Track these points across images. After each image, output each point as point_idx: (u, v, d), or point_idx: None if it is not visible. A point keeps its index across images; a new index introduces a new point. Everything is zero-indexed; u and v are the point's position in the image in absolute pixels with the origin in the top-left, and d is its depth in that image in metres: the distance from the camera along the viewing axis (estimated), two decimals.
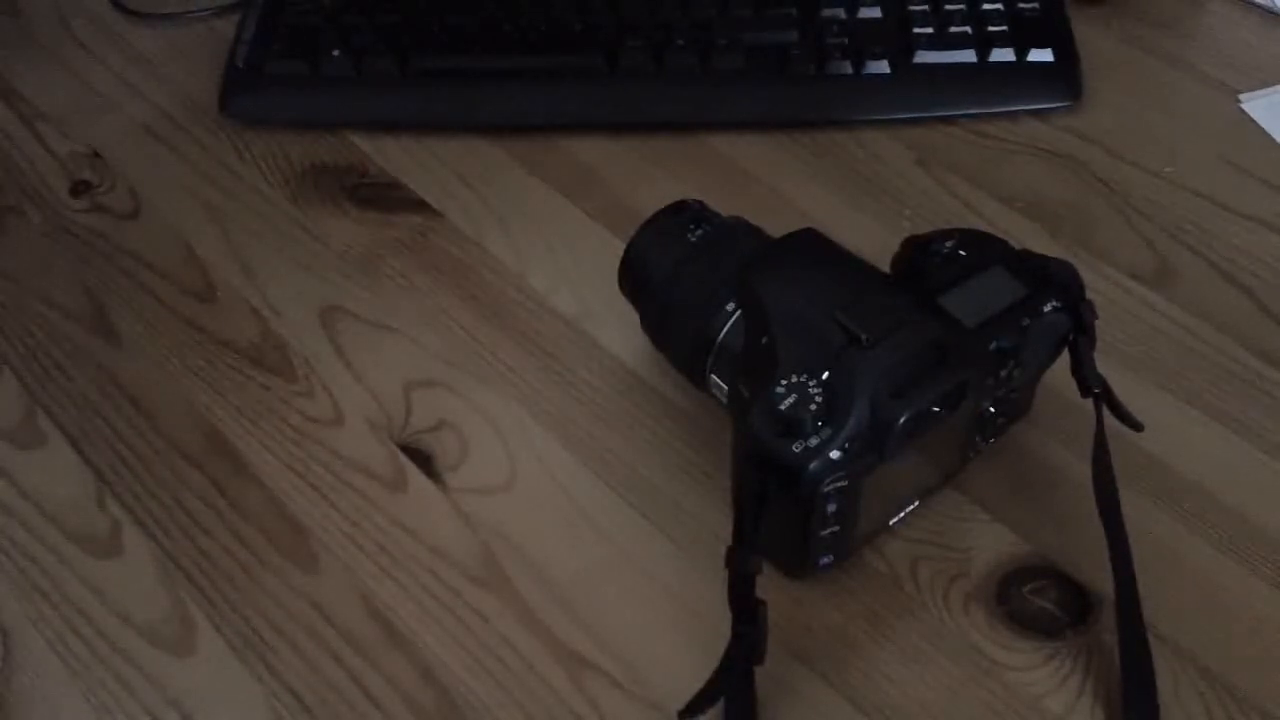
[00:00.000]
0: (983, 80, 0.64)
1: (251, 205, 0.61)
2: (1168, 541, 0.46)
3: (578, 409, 0.52)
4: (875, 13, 0.65)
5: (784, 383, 0.41)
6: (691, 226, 0.49)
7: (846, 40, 0.64)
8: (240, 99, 0.65)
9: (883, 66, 0.63)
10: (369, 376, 0.54)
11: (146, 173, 0.63)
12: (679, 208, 0.50)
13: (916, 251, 0.46)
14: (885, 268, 0.47)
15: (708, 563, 0.43)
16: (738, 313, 0.45)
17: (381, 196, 0.61)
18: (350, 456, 0.51)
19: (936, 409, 0.41)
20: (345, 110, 0.65)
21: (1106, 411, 0.45)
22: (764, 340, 0.43)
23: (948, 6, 0.65)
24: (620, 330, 0.53)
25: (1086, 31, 0.66)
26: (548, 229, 0.59)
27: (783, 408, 0.40)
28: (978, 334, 0.43)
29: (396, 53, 0.64)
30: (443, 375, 0.53)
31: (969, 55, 0.63)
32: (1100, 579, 0.44)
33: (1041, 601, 0.45)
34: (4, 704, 0.44)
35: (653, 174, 0.61)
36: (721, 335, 0.46)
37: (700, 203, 0.50)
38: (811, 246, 0.47)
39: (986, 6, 0.65)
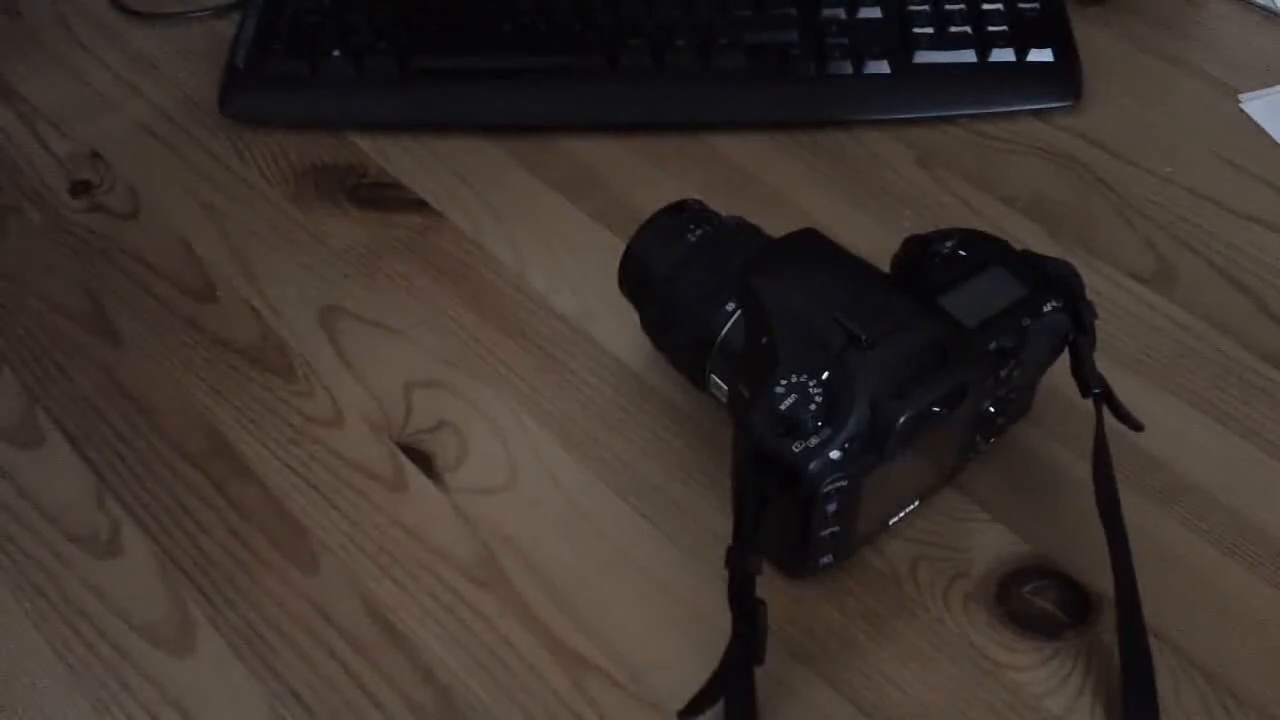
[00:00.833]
0: (983, 80, 0.64)
1: (251, 205, 0.61)
2: (1168, 541, 0.46)
3: (578, 409, 0.52)
4: (875, 13, 0.65)
5: (784, 383, 0.41)
6: (691, 226, 0.49)
7: (846, 40, 0.64)
8: (240, 99, 0.65)
9: (883, 66, 0.63)
10: (369, 376, 0.54)
11: (146, 173, 0.63)
12: (679, 208, 0.50)
13: (917, 251, 0.46)
14: (885, 268, 0.47)
15: (708, 563, 0.43)
16: (738, 313, 0.45)
17: (381, 196, 0.61)
18: (350, 456, 0.51)
19: (936, 409, 0.41)
20: (345, 110, 0.65)
21: (1107, 412, 0.45)
22: (764, 340, 0.43)
23: (948, 6, 0.65)
24: (620, 330, 0.53)
25: (1086, 31, 0.66)
26: (548, 229, 0.59)
27: (783, 408, 0.40)
28: (978, 334, 0.43)
29: (396, 53, 0.64)
30: (443, 375, 0.53)
31: (969, 55, 0.63)
32: (1100, 579, 0.44)
33: (1041, 602, 0.45)
34: (4, 703, 0.44)
35: (653, 174, 0.61)
36: (721, 335, 0.46)
37: (700, 202, 0.50)
38: (812, 246, 0.47)
39: (986, 6, 0.65)
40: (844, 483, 0.41)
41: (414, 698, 0.44)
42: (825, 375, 0.41)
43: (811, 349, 0.42)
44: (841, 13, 0.65)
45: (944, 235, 0.47)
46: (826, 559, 0.44)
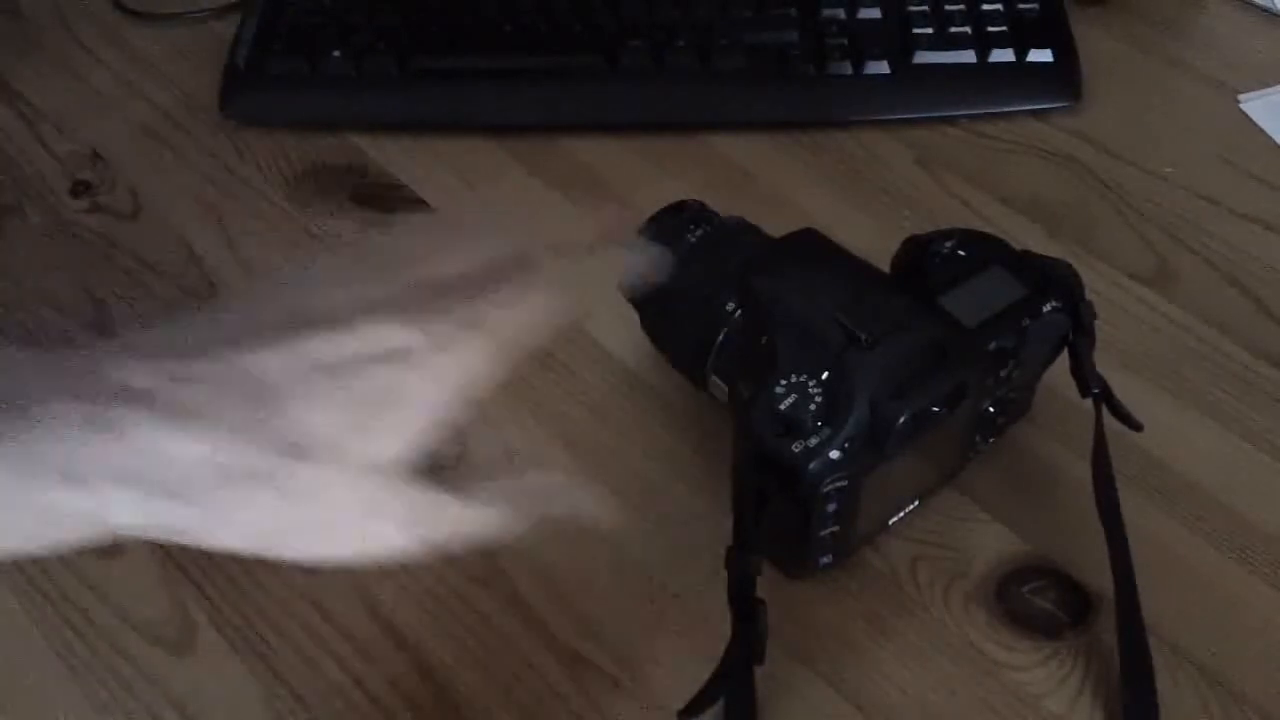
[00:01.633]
0: (983, 80, 0.64)
1: (251, 205, 0.61)
2: (1168, 541, 0.46)
3: (578, 409, 0.52)
4: (875, 13, 0.65)
5: (784, 383, 0.41)
6: (691, 227, 0.49)
7: (846, 40, 0.64)
8: (240, 99, 0.65)
9: (883, 67, 0.63)
10: None
11: (146, 173, 0.63)
12: (679, 208, 0.50)
13: (916, 251, 0.46)
14: (885, 268, 0.47)
15: (708, 563, 0.43)
16: (738, 313, 0.45)
17: (381, 196, 0.61)
18: None
19: (936, 409, 0.41)
20: (345, 110, 0.65)
21: (1106, 412, 0.45)
22: (764, 340, 0.43)
23: (948, 7, 0.65)
24: (620, 330, 0.53)
25: (1086, 31, 0.66)
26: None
27: (783, 408, 0.40)
28: (977, 334, 0.43)
29: (396, 53, 0.64)
30: None
31: (969, 55, 0.63)
32: (1100, 579, 0.44)
33: (1041, 601, 0.45)
34: (5, 703, 0.44)
35: (653, 174, 0.61)
36: (721, 335, 0.46)
37: (700, 203, 0.50)
38: (811, 246, 0.47)
39: (986, 7, 0.65)
40: (844, 482, 0.41)
41: (414, 697, 0.44)
42: (825, 375, 0.41)
43: (811, 349, 0.42)
44: (841, 13, 0.65)
45: (944, 235, 0.47)
46: (826, 559, 0.44)
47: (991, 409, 0.46)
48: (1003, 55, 0.63)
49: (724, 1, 0.66)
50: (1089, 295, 0.46)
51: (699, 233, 0.48)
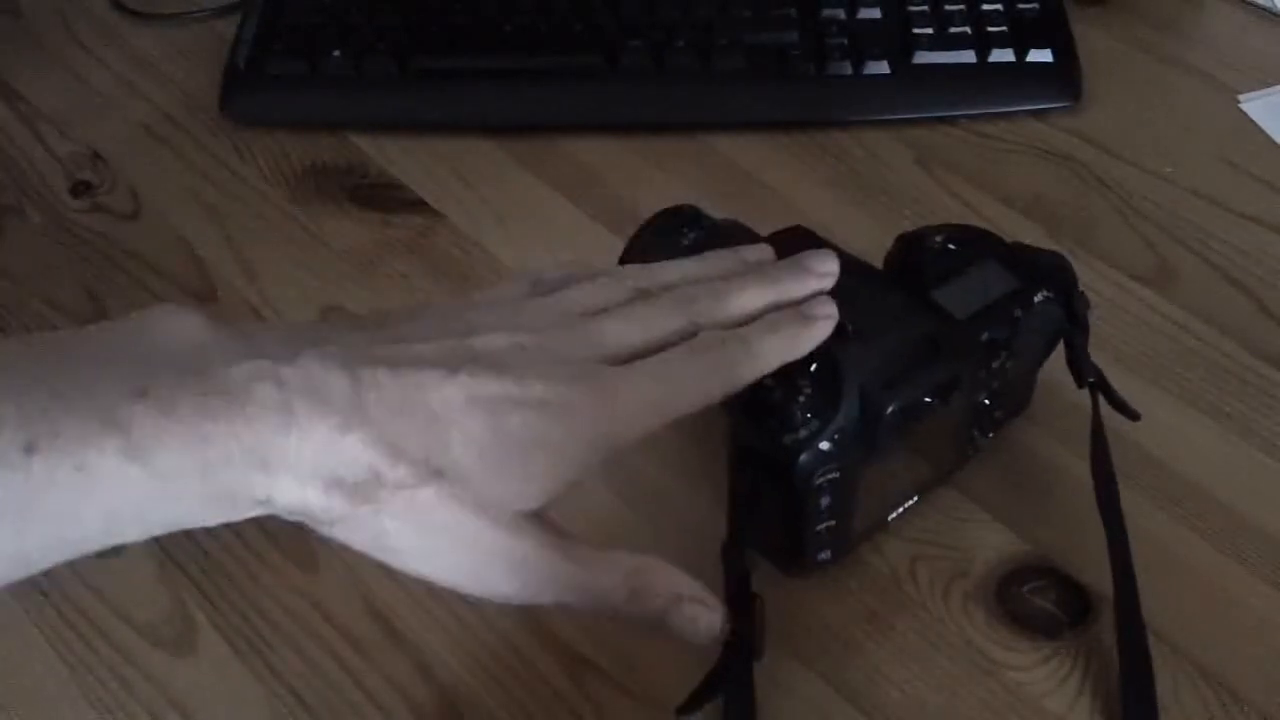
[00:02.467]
0: (982, 80, 0.64)
1: (251, 205, 0.61)
2: (1168, 541, 0.46)
3: None
4: (875, 13, 0.65)
5: (773, 376, 0.41)
6: (685, 230, 0.49)
7: (846, 40, 0.64)
8: (240, 99, 0.65)
9: (883, 67, 0.63)
10: None
11: (147, 173, 0.63)
12: (674, 212, 0.50)
13: (908, 247, 0.46)
14: (882, 268, 0.47)
15: (707, 562, 0.43)
16: None
17: (381, 196, 0.61)
18: None
19: (928, 400, 0.41)
20: (345, 110, 0.65)
21: (1105, 406, 0.45)
22: None
23: (947, 7, 0.65)
24: None
25: (1086, 31, 0.66)
26: (548, 229, 0.59)
27: (772, 401, 0.40)
28: (969, 325, 0.43)
29: (396, 53, 0.64)
30: None
31: (969, 55, 0.63)
32: (1100, 579, 0.44)
33: (1041, 601, 0.45)
34: (4, 703, 0.44)
35: (653, 174, 0.61)
36: None
37: (695, 207, 0.50)
38: (800, 243, 0.47)
39: (986, 7, 0.65)
40: (836, 474, 0.41)
41: (414, 697, 0.44)
42: (814, 367, 0.41)
43: None
44: (841, 13, 0.65)
45: (935, 230, 0.47)
46: (824, 555, 0.44)
47: (987, 401, 0.46)
48: (1003, 55, 0.63)
49: (724, 1, 0.66)
50: (1089, 296, 0.46)
51: (693, 236, 0.49)
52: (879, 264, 0.47)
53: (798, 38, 0.64)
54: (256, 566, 0.47)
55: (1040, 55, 0.63)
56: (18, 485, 0.30)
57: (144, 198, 0.62)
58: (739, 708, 0.40)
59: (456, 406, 0.34)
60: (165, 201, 0.62)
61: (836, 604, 0.45)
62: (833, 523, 0.43)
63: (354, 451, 0.33)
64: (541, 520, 0.36)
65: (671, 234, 0.49)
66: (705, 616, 0.38)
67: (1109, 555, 0.43)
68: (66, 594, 0.47)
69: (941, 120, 0.63)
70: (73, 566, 0.47)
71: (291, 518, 0.34)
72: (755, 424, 0.40)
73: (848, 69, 0.63)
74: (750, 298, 0.41)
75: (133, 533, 0.32)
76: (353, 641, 0.45)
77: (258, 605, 0.46)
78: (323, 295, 0.57)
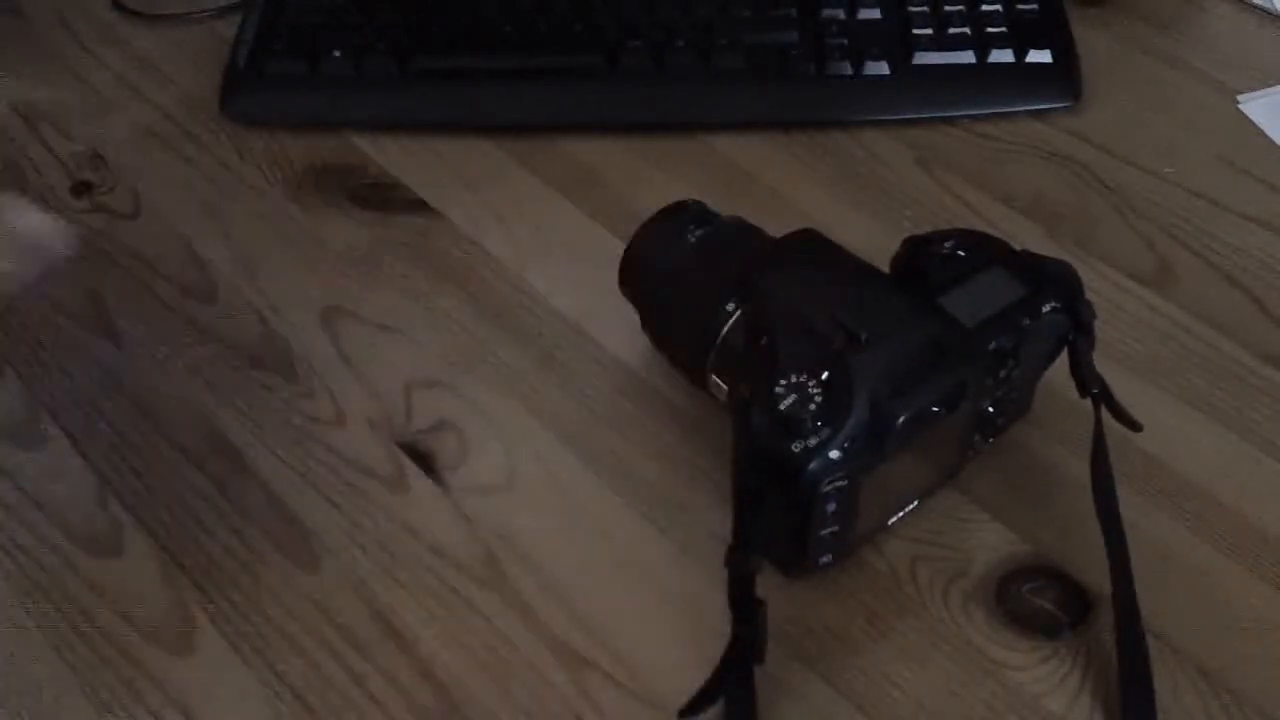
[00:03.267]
0: (982, 81, 0.64)
1: (251, 205, 0.61)
2: (1167, 541, 0.47)
3: (577, 409, 0.52)
4: (875, 13, 0.65)
5: (784, 383, 0.41)
6: (691, 226, 0.49)
7: (846, 41, 0.64)
8: (240, 99, 0.65)
9: (882, 67, 0.63)
10: (369, 376, 0.54)
11: (147, 173, 0.63)
12: (679, 208, 0.50)
13: (916, 251, 0.46)
14: (885, 268, 0.47)
15: (708, 563, 0.43)
16: (738, 313, 0.45)
17: (381, 196, 0.61)
18: (351, 456, 0.51)
19: (936, 408, 0.41)
20: (345, 110, 0.65)
21: (1106, 412, 0.45)
22: (764, 340, 0.43)
23: (947, 7, 0.65)
24: (620, 330, 0.53)
25: (1086, 32, 0.66)
26: (548, 229, 0.59)
27: (783, 407, 0.40)
28: (977, 334, 0.43)
29: (396, 53, 0.64)
30: (443, 375, 0.53)
31: (968, 56, 0.63)
32: (1100, 579, 0.44)
33: (1041, 601, 0.45)
34: (5, 703, 0.44)
35: (653, 174, 0.62)
36: (721, 335, 0.46)
37: (700, 203, 0.50)
38: (811, 246, 0.47)
39: (986, 7, 0.65)
40: (844, 482, 0.41)
41: (414, 697, 0.44)
42: (825, 375, 0.41)
43: (811, 349, 0.42)
44: (841, 13, 0.66)
45: (943, 235, 0.47)
46: (826, 558, 0.44)
47: (991, 408, 0.46)
48: (1002, 55, 0.63)
49: (724, 1, 0.66)
50: (1089, 295, 0.46)
51: (699, 233, 0.49)
52: (879, 264, 0.47)
53: (798, 38, 0.64)
54: (257, 566, 0.48)
55: (1040, 56, 0.63)
56: None
57: (144, 198, 0.62)
58: (740, 710, 0.40)
59: None
60: (165, 201, 0.62)
61: (837, 604, 0.45)
62: (837, 528, 0.43)
63: None
64: None
65: (677, 230, 0.49)
66: None
67: (1108, 556, 0.43)
68: (66, 594, 0.47)
69: (941, 120, 0.63)
70: (74, 566, 0.48)
71: None
72: (763, 429, 0.40)
73: (848, 69, 0.63)
74: None
75: None
76: (353, 642, 0.45)
77: (258, 605, 0.46)
78: (323, 295, 0.57)
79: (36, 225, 0.61)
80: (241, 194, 0.62)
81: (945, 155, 0.62)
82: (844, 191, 0.60)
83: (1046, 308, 0.44)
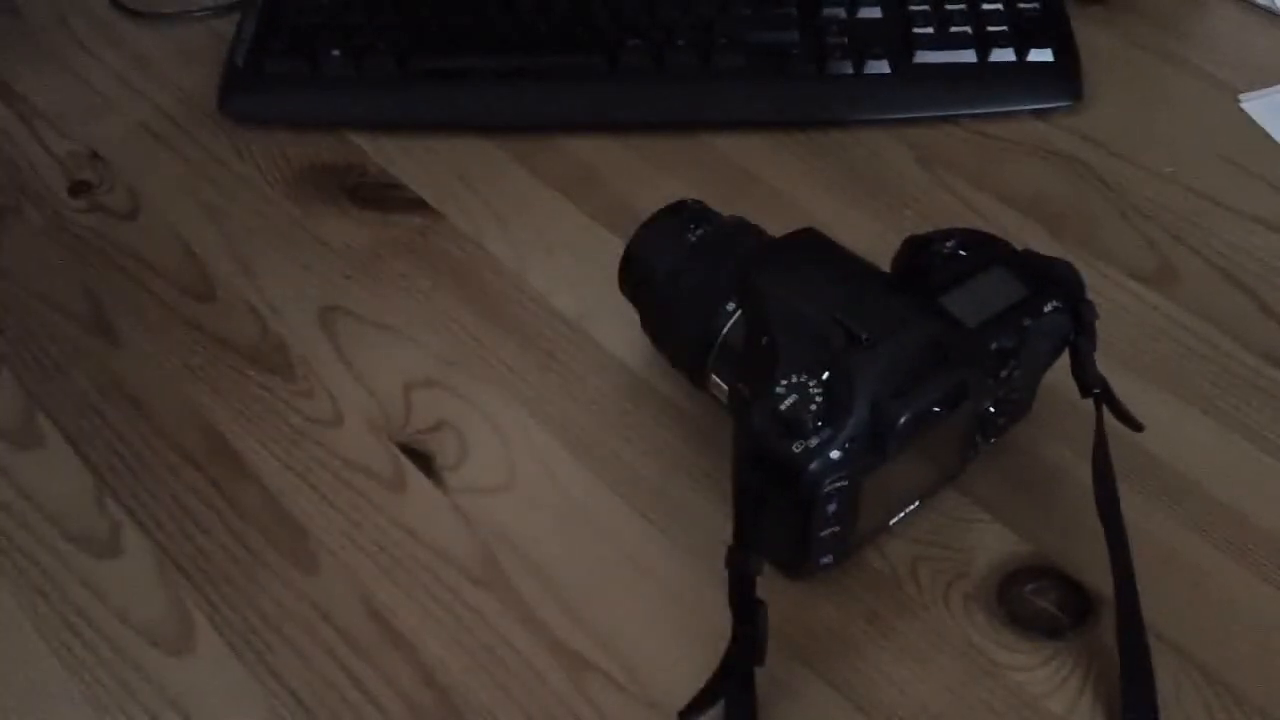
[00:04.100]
0: (983, 80, 0.63)
1: (251, 205, 0.61)
2: (1168, 541, 0.46)
3: (578, 409, 0.52)
4: (875, 13, 0.65)
5: (784, 383, 0.41)
6: (691, 226, 0.49)
7: (847, 40, 0.64)
8: (240, 99, 0.65)
9: (883, 66, 0.63)
10: (369, 376, 0.54)
11: (146, 173, 0.63)
12: (679, 207, 0.50)
13: (917, 251, 0.46)
14: (885, 267, 0.47)
15: (708, 563, 0.43)
16: (738, 313, 0.45)
17: (381, 196, 0.61)
18: (350, 457, 0.51)
19: (937, 409, 0.41)
20: (345, 110, 0.65)
21: (1107, 411, 0.45)
22: (764, 340, 0.43)
23: (948, 6, 0.65)
24: (620, 330, 0.53)
25: (1086, 31, 0.66)
26: (548, 229, 0.59)
27: (783, 408, 0.40)
28: (978, 334, 0.43)
29: (396, 53, 0.64)
30: (443, 375, 0.53)
31: (969, 55, 0.63)
32: (1101, 579, 0.44)
33: (1042, 602, 0.45)
34: (4, 703, 0.44)
35: (653, 174, 0.61)
36: (721, 335, 0.46)
37: (700, 202, 0.50)
38: (812, 246, 0.47)
39: (987, 6, 0.65)
40: (844, 483, 0.41)
41: (414, 698, 0.44)
42: (825, 375, 0.41)
43: (811, 349, 0.42)
44: (841, 13, 0.65)
45: (945, 235, 0.47)
46: (827, 559, 0.44)
47: (992, 409, 0.46)
48: (1003, 55, 0.63)
49: (724, 1, 0.66)
50: (1090, 295, 0.46)
51: (699, 232, 0.48)
52: (879, 264, 0.47)
53: (798, 37, 0.64)
54: (256, 567, 0.47)
55: (1041, 55, 0.63)
56: None
57: (143, 197, 0.62)
58: (741, 711, 0.40)
59: None
60: (164, 201, 0.62)
61: (837, 605, 0.45)
62: (837, 528, 0.43)
63: None
64: None
65: (677, 230, 0.49)
66: None
67: (1109, 556, 0.43)
68: (66, 594, 0.47)
69: (942, 120, 0.63)
70: (72, 566, 0.48)
71: None
72: (764, 430, 0.40)
73: (848, 68, 0.63)
74: None
75: None
76: (352, 642, 0.45)
77: (257, 605, 0.46)
78: (322, 295, 0.57)
79: (35, 225, 0.61)
80: (240, 193, 0.62)
81: (946, 154, 0.62)
82: (845, 191, 0.60)
83: (1048, 307, 0.44)
